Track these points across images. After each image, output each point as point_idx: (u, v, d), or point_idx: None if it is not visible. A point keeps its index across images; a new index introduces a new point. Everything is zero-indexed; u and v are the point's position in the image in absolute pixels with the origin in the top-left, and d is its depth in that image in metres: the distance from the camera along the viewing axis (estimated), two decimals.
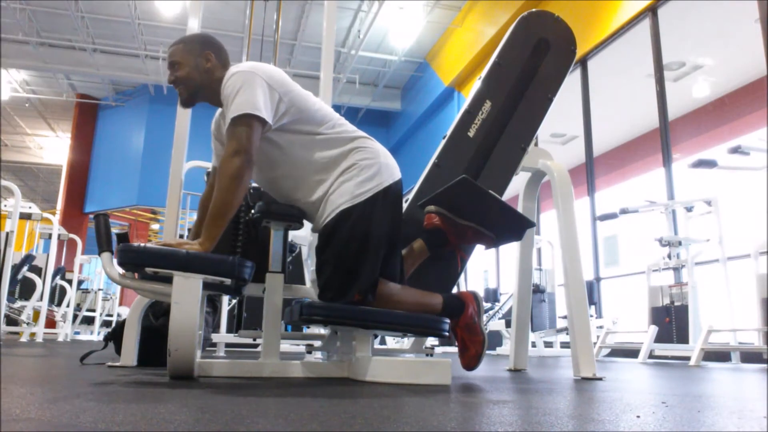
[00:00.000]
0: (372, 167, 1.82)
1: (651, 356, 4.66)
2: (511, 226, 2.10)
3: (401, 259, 1.95)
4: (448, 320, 1.88)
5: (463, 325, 1.94)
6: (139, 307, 2.27)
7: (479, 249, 2.28)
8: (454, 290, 2.20)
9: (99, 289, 9.12)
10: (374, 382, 1.65)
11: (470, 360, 1.96)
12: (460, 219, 2.03)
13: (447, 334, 1.90)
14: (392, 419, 0.93)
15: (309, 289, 2.20)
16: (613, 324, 5.46)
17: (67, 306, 7.04)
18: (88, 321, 8.74)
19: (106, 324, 9.08)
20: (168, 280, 1.56)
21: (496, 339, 6.57)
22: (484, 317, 6.68)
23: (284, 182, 1.88)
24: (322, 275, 1.79)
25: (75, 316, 7.98)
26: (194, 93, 1.87)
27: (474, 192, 1.96)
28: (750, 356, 4.41)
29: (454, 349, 2.07)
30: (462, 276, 2.49)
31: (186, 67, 1.84)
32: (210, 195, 2.03)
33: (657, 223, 5.10)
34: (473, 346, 1.94)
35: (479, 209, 2.03)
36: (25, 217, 6.40)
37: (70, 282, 7.25)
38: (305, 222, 1.95)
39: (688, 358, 4.19)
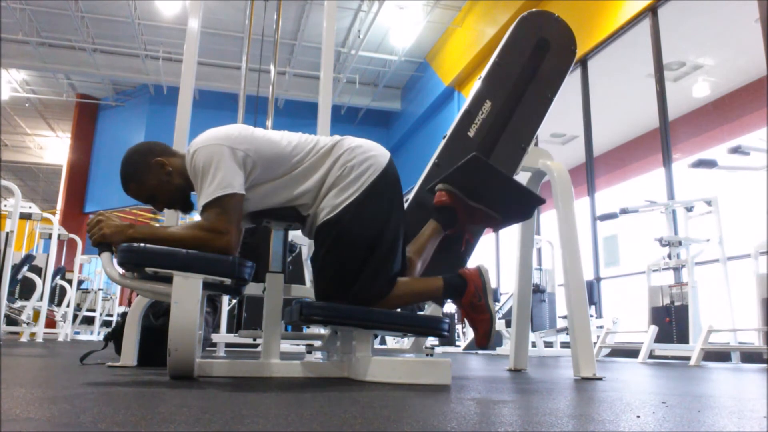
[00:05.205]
0: (349, 176, 1.78)
1: (651, 356, 4.66)
2: (521, 203, 2.08)
3: (401, 256, 1.93)
4: (447, 320, 1.87)
5: (466, 304, 1.87)
6: (139, 307, 2.27)
7: (481, 245, 2.26)
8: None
9: (99, 289, 9.12)
10: (374, 382, 1.64)
11: (479, 339, 1.90)
12: (470, 200, 2.01)
13: (447, 334, 1.89)
14: (392, 419, 0.93)
15: (309, 289, 2.20)
16: (613, 324, 5.46)
17: (67, 306, 7.05)
18: (88, 321, 8.74)
19: (106, 324, 9.09)
20: (168, 280, 1.56)
21: (497, 339, 6.57)
22: None
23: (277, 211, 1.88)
24: (319, 292, 1.81)
25: (75, 316, 7.99)
26: (183, 193, 1.82)
27: (484, 170, 1.94)
28: (750, 356, 4.41)
29: (455, 349, 2.07)
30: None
31: (159, 190, 1.79)
32: None
33: (657, 223, 5.10)
34: (480, 325, 1.87)
35: (489, 187, 2.01)
36: (25, 217, 6.41)
37: (70, 282, 7.26)
38: None
39: (688, 358, 4.19)
